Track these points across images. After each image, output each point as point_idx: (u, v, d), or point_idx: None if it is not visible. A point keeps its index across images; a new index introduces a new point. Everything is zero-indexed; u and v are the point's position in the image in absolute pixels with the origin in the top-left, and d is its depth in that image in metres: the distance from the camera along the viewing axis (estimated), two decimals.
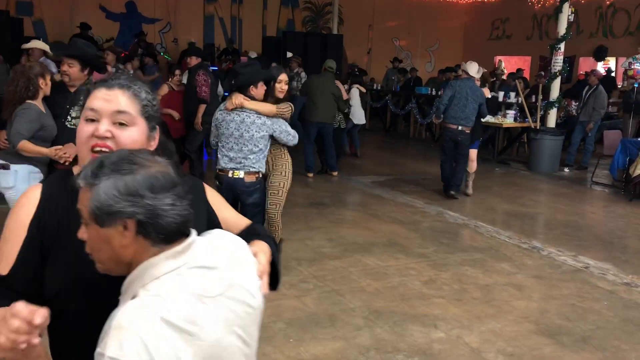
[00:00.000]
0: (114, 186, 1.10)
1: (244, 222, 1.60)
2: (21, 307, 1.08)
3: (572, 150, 10.11)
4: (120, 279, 1.19)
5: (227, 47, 14.28)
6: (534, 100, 10.92)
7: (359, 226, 6.15)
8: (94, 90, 1.36)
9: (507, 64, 15.88)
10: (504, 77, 13.56)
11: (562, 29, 9.40)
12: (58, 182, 1.39)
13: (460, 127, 7.28)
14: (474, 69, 7.47)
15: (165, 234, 1.14)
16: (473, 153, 7.64)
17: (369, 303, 4.21)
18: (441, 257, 5.25)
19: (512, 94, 11.37)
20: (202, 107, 6.89)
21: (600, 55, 14.38)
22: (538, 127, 9.79)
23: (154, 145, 1.42)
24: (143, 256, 1.15)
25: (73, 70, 3.92)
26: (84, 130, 1.33)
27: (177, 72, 7.34)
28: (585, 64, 14.58)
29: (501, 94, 11.76)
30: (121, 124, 1.33)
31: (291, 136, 4.31)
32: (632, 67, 9.62)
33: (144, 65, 10.75)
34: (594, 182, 8.99)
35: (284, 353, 3.43)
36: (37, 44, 7.84)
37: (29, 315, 1.07)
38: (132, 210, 1.10)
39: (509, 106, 10.95)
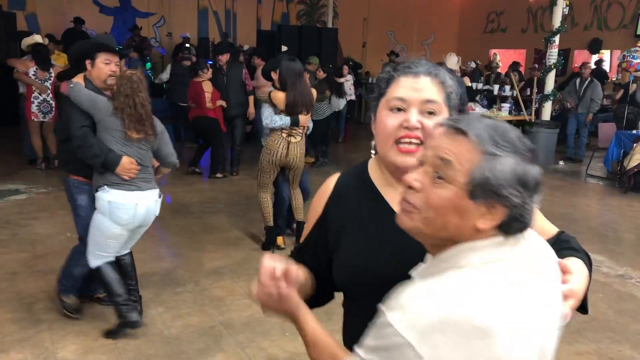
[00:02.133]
0: (514, 169, 0.95)
1: (549, 227, 1.39)
2: (267, 261, 1.19)
3: (570, 143, 10.16)
4: (405, 273, 1.11)
5: (221, 41, 14.21)
6: (528, 93, 10.94)
7: None
8: (398, 77, 1.29)
9: (502, 58, 15.88)
10: (499, 70, 13.58)
11: (556, 21, 9.40)
12: (352, 176, 1.39)
13: None
14: (452, 62, 8.09)
15: (519, 231, 1.00)
16: None
17: None
18: None
19: (507, 87, 11.39)
20: (252, 99, 7.84)
21: (594, 48, 14.40)
22: (533, 120, 9.82)
23: None
24: (468, 237, 0.99)
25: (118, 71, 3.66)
26: (392, 120, 1.26)
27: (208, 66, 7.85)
28: (580, 57, 14.59)
29: (496, 87, 11.79)
30: (429, 113, 1.26)
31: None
32: (626, 59, 9.64)
33: (129, 59, 10.65)
34: (589, 175, 9.02)
35: (281, 347, 3.45)
36: (36, 39, 7.84)
37: (269, 269, 1.17)
38: (516, 202, 0.96)
39: (504, 99, 10.98)
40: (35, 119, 7.70)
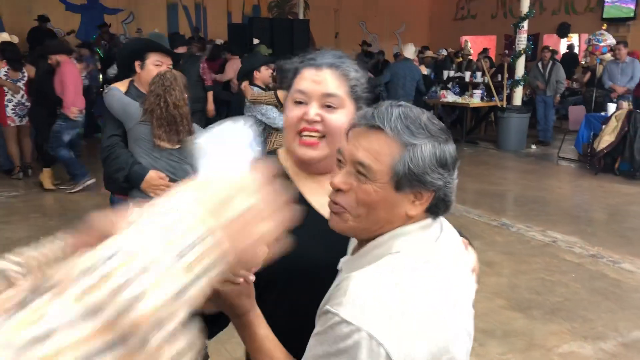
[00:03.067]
0: (433, 153, 0.98)
1: None
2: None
3: (541, 127, 10.33)
4: (333, 272, 1.10)
5: (193, 36, 14.08)
6: (499, 79, 11.07)
7: None
8: (302, 69, 1.30)
9: (473, 44, 16.00)
10: (471, 57, 13.69)
11: (525, 7, 9.52)
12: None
13: None
14: (410, 51, 8.70)
15: (445, 212, 1.04)
16: None
17: None
18: None
19: (479, 74, 11.50)
20: (211, 94, 7.60)
21: (563, 32, 14.60)
22: (504, 106, 9.94)
23: None
24: (400, 224, 1.01)
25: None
26: (294, 112, 1.28)
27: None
28: (549, 41, 14.77)
29: (467, 74, 11.89)
30: (329, 107, 1.27)
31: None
32: (592, 43, 9.81)
33: (80, 56, 10.38)
34: (560, 158, 9.18)
35: None
36: (4, 37, 7.62)
37: None
38: (439, 184, 0.99)
39: (476, 86, 11.09)
40: (12, 124, 7.24)
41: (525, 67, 10.06)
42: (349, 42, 16.49)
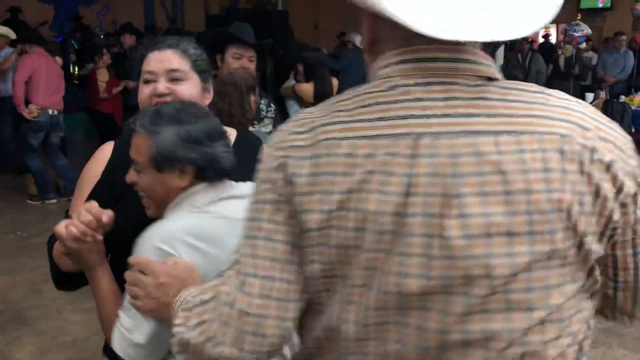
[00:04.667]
0: (177, 134, 1.21)
1: None
2: (94, 204, 1.27)
3: None
4: None
5: (170, 28, 13.91)
6: None
7: None
8: (148, 54, 1.50)
9: None
10: None
11: None
12: (125, 144, 1.44)
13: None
14: (358, 40, 9.06)
15: (221, 177, 1.28)
16: None
17: None
18: None
19: None
20: None
21: None
22: None
23: (209, 97, 1.56)
24: (175, 195, 1.27)
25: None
26: (145, 91, 1.48)
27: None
28: None
29: None
30: (177, 80, 1.47)
31: None
32: (568, 34, 9.90)
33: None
34: None
35: None
36: (2, 30, 6.91)
37: (98, 213, 1.25)
38: (194, 156, 1.23)
39: None
40: None
41: (505, 57, 10.11)
42: (329, 32, 16.44)
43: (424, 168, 0.80)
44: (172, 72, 1.47)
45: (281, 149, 0.87)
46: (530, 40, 11.01)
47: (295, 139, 0.86)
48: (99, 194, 1.44)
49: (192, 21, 14.76)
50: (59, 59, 7.12)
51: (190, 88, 1.48)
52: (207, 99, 1.55)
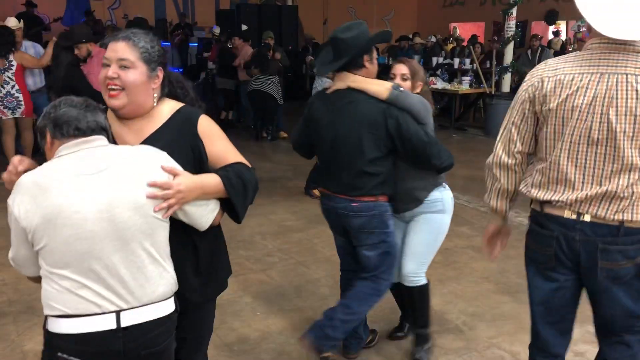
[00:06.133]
0: (46, 112, 1.69)
1: (232, 159, 1.89)
2: (16, 157, 1.78)
3: None
4: None
5: (180, 22, 13.94)
6: (488, 65, 11.08)
7: None
8: (108, 43, 1.83)
9: (462, 31, 16.00)
10: (464, 44, 13.67)
11: None
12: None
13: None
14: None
15: (64, 132, 1.64)
16: None
17: (334, 272, 4.26)
18: None
19: (467, 60, 11.50)
20: None
21: (551, 19, 14.62)
22: (493, 92, 9.96)
23: (157, 82, 1.86)
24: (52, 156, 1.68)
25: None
26: (102, 73, 1.81)
27: None
28: (537, 28, 14.81)
29: (456, 61, 11.87)
30: (124, 67, 1.78)
31: None
32: (581, 30, 9.81)
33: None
34: None
35: (252, 327, 3.47)
36: (11, 22, 6.82)
37: (17, 162, 1.75)
38: (44, 123, 1.68)
39: (465, 72, 11.09)
40: (4, 117, 6.61)
41: (514, 54, 10.06)
42: None
43: (602, 86, 1.90)
44: (121, 61, 1.79)
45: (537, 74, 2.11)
46: (540, 36, 10.95)
47: (542, 71, 2.11)
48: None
49: (203, 16, 14.78)
50: None
51: (135, 75, 1.79)
52: (155, 84, 1.85)
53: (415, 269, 3.05)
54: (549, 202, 2.06)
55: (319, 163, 3.05)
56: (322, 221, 5.58)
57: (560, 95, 1.96)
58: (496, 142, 2.22)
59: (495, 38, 12.06)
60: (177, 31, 13.27)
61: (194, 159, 1.83)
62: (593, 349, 3.26)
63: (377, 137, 2.71)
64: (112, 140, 1.77)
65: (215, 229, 1.90)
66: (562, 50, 11.76)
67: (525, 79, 2.14)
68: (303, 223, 5.38)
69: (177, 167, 1.71)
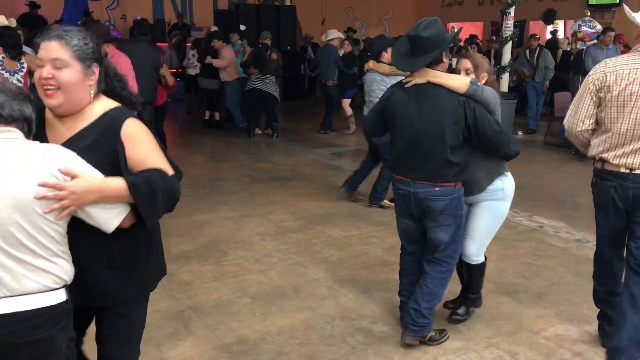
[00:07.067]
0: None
1: (151, 165, 1.85)
2: None
3: (532, 114, 10.34)
4: None
5: (177, 22, 13.93)
6: None
7: (321, 198, 6.19)
8: (40, 43, 1.81)
9: (461, 31, 15.98)
10: (461, 44, 13.67)
11: None
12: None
13: (323, 81, 10.16)
14: (328, 36, 9.97)
15: (22, 130, 1.73)
16: (345, 102, 10.01)
17: (333, 273, 4.27)
18: None
19: None
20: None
21: (549, 19, 14.63)
22: None
23: (94, 78, 1.86)
24: None
25: None
26: (37, 74, 1.80)
27: None
28: (535, 28, 14.81)
29: (454, 61, 11.86)
30: (58, 67, 1.78)
31: None
32: (581, 29, 9.82)
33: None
34: (546, 144, 9.24)
35: (251, 327, 3.46)
36: (3, 20, 6.57)
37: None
38: (19, 115, 1.73)
39: None
40: None
41: (512, 54, 10.06)
42: (335, 28, 16.38)
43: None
44: (54, 61, 1.77)
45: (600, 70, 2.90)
46: (537, 36, 10.95)
47: (604, 67, 2.89)
48: None
49: (201, 16, 14.77)
50: None
51: (70, 73, 1.79)
52: (91, 81, 1.85)
53: (476, 250, 3.37)
54: (608, 162, 2.89)
55: (397, 152, 3.15)
56: (321, 222, 5.61)
57: (620, 85, 2.78)
58: (568, 119, 3.04)
59: (494, 38, 12.07)
60: (175, 31, 13.27)
61: (112, 161, 1.82)
62: (592, 349, 3.28)
63: (458, 128, 2.93)
64: (44, 134, 1.85)
65: (138, 227, 1.88)
66: (564, 52, 11.82)
67: (589, 74, 2.92)
68: (302, 223, 5.38)
69: (77, 168, 1.71)
